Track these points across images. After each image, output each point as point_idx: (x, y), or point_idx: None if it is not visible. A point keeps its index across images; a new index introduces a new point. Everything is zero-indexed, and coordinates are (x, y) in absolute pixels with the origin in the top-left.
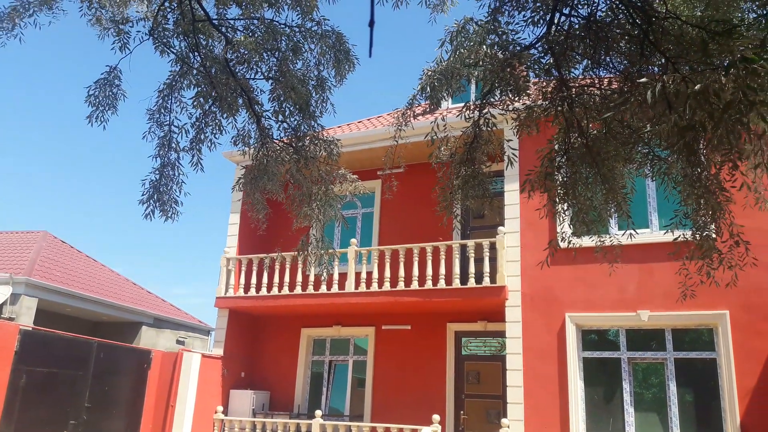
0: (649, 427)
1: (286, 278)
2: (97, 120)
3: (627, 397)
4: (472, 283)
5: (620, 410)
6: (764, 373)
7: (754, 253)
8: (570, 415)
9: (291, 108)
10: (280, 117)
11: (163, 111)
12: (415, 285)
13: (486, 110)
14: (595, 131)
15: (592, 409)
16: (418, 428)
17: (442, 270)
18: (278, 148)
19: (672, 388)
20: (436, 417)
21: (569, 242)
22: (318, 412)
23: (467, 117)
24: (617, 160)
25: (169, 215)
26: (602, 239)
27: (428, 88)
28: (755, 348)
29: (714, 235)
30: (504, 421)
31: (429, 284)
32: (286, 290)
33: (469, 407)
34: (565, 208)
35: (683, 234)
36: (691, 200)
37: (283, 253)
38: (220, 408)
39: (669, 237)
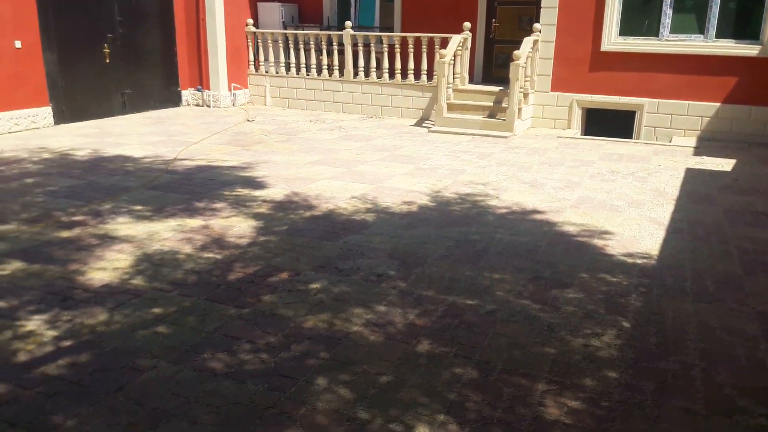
0: (685, 27)
1: None
2: None
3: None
4: None
5: (657, 13)
6: None
7: None
8: (605, 19)
9: None
10: None
11: None
12: None
13: None
14: None
15: (628, 12)
16: (448, 36)
17: None
18: None
19: None
20: (467, 24)
21: None
22: (348, 23)
23: None
24: None
25: None
26: None
27: None
28: None
29: None
30: (536, 26)
31: None
32: None
33: (502, 14)
34: None
35: None
36: None
37: None
38: (251, 21)
39: None
